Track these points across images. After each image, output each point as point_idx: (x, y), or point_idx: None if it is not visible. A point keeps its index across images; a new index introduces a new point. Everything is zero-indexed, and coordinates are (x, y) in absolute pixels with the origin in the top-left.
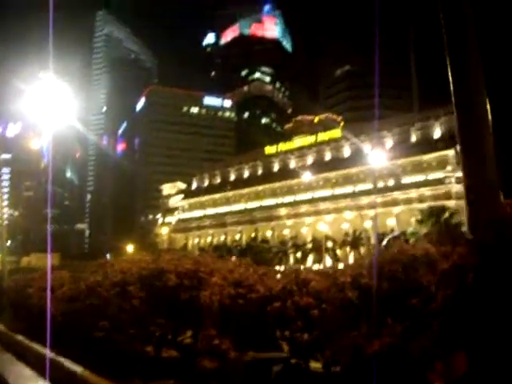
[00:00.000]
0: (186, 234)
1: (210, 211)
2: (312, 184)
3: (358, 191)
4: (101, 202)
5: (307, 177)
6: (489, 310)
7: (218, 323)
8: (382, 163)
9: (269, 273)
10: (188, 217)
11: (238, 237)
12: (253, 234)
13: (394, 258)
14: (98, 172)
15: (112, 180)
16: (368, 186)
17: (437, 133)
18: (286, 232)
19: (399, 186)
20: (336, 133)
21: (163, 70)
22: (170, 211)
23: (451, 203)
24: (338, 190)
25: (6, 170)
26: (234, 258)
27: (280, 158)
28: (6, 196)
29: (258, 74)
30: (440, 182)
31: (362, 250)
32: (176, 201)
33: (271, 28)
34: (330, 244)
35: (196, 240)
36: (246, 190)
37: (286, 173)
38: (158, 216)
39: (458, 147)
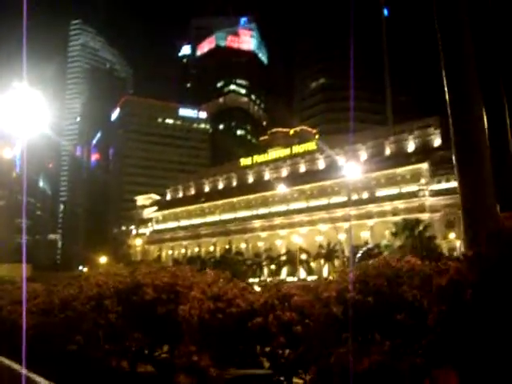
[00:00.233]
0: (159, 245)
1: (184, 223)
2: (287, 196)
3: (333, 204)
4: (74, 213)
5: (282, 189)
6: (488, 328)
7: (197, 338)
8: (357, 176)
9: (249, 287)
10: (162, 228)
11: (212, 248)
12: (227, 246)
13: (379, 272)
14: (71, 182)
15: (85, 190)
16: (342, 198)
17: (411, 146)
18: (261, 244)
19: (373, 199)
20: (311, 145)
21: (138, 80)
22: (144, 222)
23: (425, 216)
24: (313, 203)
25: None
26: (208, 270)
27: (255, 170)
28: None
29: (233, 86)
30: (414, 195)
31: (337, 262)
32: (150, 212)
33: (247, 40)
34: (304, 256)
35: (170, 251)
36: (220, 202)
37: (260, 185)
38: (132, 227)
39: (432, 160)
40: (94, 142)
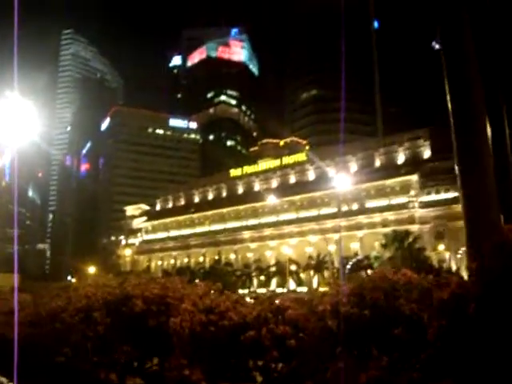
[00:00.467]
0: (149, 255)
1: (174, 233)
2: (277, 207)
3: (323, 215)
4: (63, 223)
5: (272, 200)
6: (492, 342)
7: (189, 351)
8: (347, 187)
9: (241, 299)
10: (151, 238)
11: (201, 259)
12: (216, 257)
13: (376, 286)
14: (60, 192)
15: (75, 200)
16: (332, 209)
17: (400, 158)
18: (250, 255)
19: (363, 210)
20: (301, 156)
21: (129, 90)
22: (133, 233)
23: (414, 228)
24: (303, 214)
25: None
26: (199, 282)
27: (245, 181)
28: None
29: (223, 97)
30: (403, 206)
31: (326, 273)
32: (139, 222)
33: (238, 51)
34: (293, 267)
35: (159, 262)
36: (210, 213)
37: (250, 196)
38: (121, 237)
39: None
40: (84, 151)
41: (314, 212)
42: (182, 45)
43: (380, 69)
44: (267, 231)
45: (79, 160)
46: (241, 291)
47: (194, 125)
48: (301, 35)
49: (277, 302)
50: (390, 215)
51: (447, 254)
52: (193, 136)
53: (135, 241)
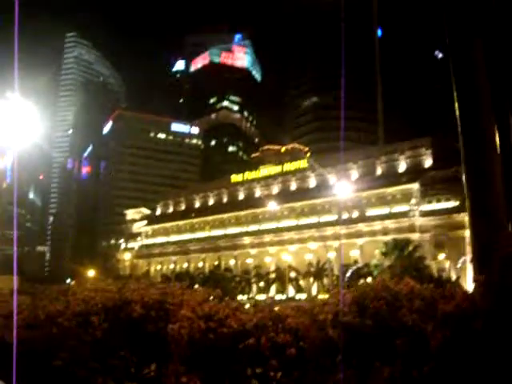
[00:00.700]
0: (148, 260)
1: (174, 238)
2: (277, 213)
3: (323, 222)
4: (63, 225)
5: (272, 206)
6: (500, 358)
7: (187, 358)
8: (347, 195)
9: (241, 307)
10: (151, 243)
11: (200, 264)
12: (216, 262)
13: (378, 295)
14: (61, 194)
15: (75, 203)
16: (333, 217)
17: (402, 166)
18: (250, 261)
19: (364, 218)
20: (302, 163)
21: (132, 94)
22: (133, 237)
23: (415, 236)
24: (303, 221)
25: None
26: (198, 288)
27: (246, 187)
28: None
29: (226, 103)
30: (404, 215)
31: (326, 280)
32: (139, 226)
33: (241, 57)
34: (293, 274)
35: (158, 267)
36: (210, 218)
37: (251, 201)
38: (121, 241)
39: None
40: (86, 154)
41: (314, 219)
42: (185, 50)
43: (382, 77)
44: (267, 237)
45: (80, 163)
46: (240, 297)
47: (195, 130)
48: (303, 42)
49: (276, 308)
50: (390, 223)
51: (447, 264)
52: (194, 141)
53: (135, 245)
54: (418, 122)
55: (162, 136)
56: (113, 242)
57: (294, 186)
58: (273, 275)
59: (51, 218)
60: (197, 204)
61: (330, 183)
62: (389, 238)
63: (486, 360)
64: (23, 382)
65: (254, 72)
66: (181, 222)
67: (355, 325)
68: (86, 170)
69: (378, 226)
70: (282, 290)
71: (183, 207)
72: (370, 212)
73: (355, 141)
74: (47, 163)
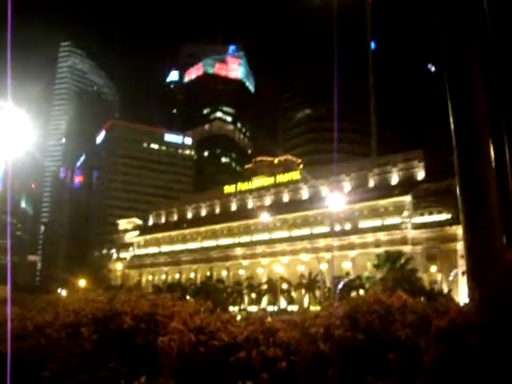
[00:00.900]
0: (140, 270)
1: (166, 248)
2: (269, 225)
3: (315, 234)
4: (54, 235)
5: (265, 217)
6: (496, 375)
7: (177, 371)
8: (340, 207)
9: (232, 319)
10: (143, 253)
11: (192, 275)
12: (208, 273)
13: (370, 309)
14: (53, 204)
15: (67, 212)
16: (325, 228)
17: (394, 179)
18: (242, 272)
19: (356, 230)
20: (295, 175)
21: (125, 104)
22: (125, 247)
23: (407, 248)
24: (296, 232)
25: None
26: (189, 299)
27: (238, 198)
28: None
29: (219, 114)
30: (396, 227)
31: (318, 292)
32: (131, 236)
33: (235, 68)
34: (285, 286)
35: (150, 277)
36: (202, 229)
37: (243, 213)
38: (113, 251)
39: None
40: (78, 163)
41: (306, 231)
42: (179, 60)
43: (376, 90)
44: (260, 249)
45: (73, 172)
46: (232, 308)
47: (189, 140)
48: (297, 54)
49: (269, 319)
50: (382, 235)
51: (439, 276)
52: (187, 152)
53: (127, 255)
54: (410, 135)
55: (155, 146)
56: (105, 251)
57: (286, 197)
58: (265, 286)
59: (43, 228)
60: (189, 215)
61: (322, 195)
62: (381, 250)
63: (480, 376)
64: None
65: (247, 83)
66: (173, 233)
67: (347, 338)
68: (78, 179)
69: (370, 238)
70: (273, 301)
71: (175, 218)
72: (363, 224)
73: (348, 152)
74: (40, 172)
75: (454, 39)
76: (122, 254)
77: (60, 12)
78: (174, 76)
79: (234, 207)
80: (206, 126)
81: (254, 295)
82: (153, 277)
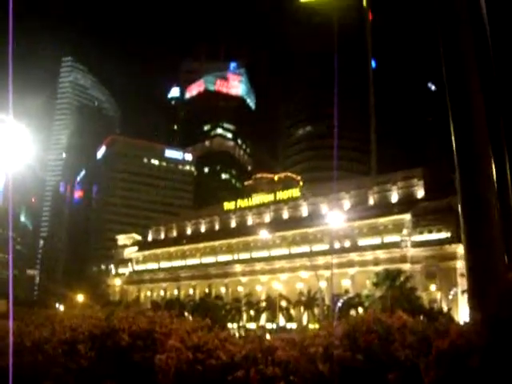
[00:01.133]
0: (138, 286)
1: (165, 264)
2: (269, 242)
3: (315, 251)
4: (54, 249)
5: (264, 234)
6: None
7: None
8: (339, 224)
9: (230, 337)
10: (142, 269)
11: (191, 292)
12: (207, 290)
13: (370, 328)
14: (53, 218)
15: (67, 227)
16: (324, 246)
17: (394, 197)
18: (241, 289)
19: (355, 248)
20: (295, 192)
21: (126, 119)
22: (124, 262)
23: (406, 267)
24: (295, 249)
25: None
26: (186, 314)
27: (238, 215)
28: None
29: (220, 130)
30: (396, 245)
31: (317, 310)
32: (130, 252)
33: (236, 85)
34: (284, 303)
35: (148, 293)
36: (201, 245)
37: (243, 229)
38: (111, 266)
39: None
40: (78, 178)
41: (305, 248)
42: (180, 77)
43: (376, 108)
44: (259, 266)
45: (73, 187)
46: (230, 325)
47: (189, 156)
48: (298, 72)
49: (268, 337)
50: (382, 253)
51: (438, 295)
52: (188, 168)
53: (125, 270)
54: (410, 153)
55: (155, 162)
56: (103, 267)
57: (286, 214)
58: (263, 304)
59: (42, 242)
60: (188, 231)
61: (322, 212)
62: (380, 268)
63: None
64: None
65: (248, 100)
66: (172, 249)
67: (346, 359)
68: (78, 194)
69: (369, 256)
70: (272, 318)
71: (175, 234)
72: (362, 242)
73: (348, 170)
74: (40, 186)
75: (456, 59)
76: (121, 270)
77: (62, 27)
78: (175, 92)
79: (233, 224)
80: (207, 143)
81: (252, 312)
82: (151, 293)
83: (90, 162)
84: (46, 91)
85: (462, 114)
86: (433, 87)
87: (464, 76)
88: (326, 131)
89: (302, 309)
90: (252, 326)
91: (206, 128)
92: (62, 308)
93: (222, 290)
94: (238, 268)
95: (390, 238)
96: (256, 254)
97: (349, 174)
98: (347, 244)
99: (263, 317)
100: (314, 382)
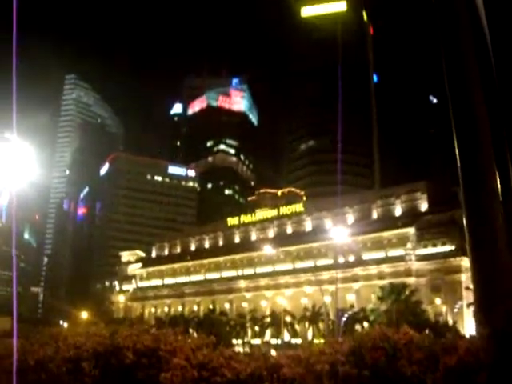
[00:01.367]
0: (142, 302)
1: (169, 281)
2: (273, 257)
3: (319, 266)
4: (58, 266)
5: (268, 250)
6: None
7: None
8: (344, 239)
9: (235, 355)
10: (146, 285)
11: (195, 308)
12: (211, 306)
13: (376, 345)
14: (56, 235)
15: (71, 244)
16: (329, 261)
17: (397, 210)
18: (245, 305)
19: (360, 262)
20: (298, 207)
21: (129, 136)
22: (128, 279)
23: (411, 280)
24: (299, 264)
25: None
26: (191, 331)
27: (242, 230)
28: None
29: (222, 146)
30: (400, 259)
31: (321, 325)
32: (134, 268)
33: (238, 101)
34: (288, 318)
35: (153, 309)
36: (206, 261)
37: (247, 245)
38: (115, 283)
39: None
40: (82, 195)
41: (310, 263)
42: (183, 93)
43: (378, 122)
44: (263, 281)
45: (76, 204)
46: (235, 341)
47: (192, 173)
48: (300, 87)
49: (273, 353)
50: (386, 267)
51: (444, 308)
52: (191, 184)
53: (129, 287)
54: (413, 167)
55: (158, 178)
56: (107, 283)
57: (289, 229)
58: (268, 319)
59: (46, 259)
60: (192, 247)
61: (326, 227)
62: (385, 282)
63: None
64: None
65: (250, 116)
66: (176, 265)
67: (352, 376)
68: (81, 211)
69: (374, 270)
70: (277, 334)
71: (179, 250)
72: (366, 256)
73: (351, 184)
74: (43, 203)
75: (458, 71)
76: (125, 287)
77: (65, 45)
78: (177, 108)
79: (237, 239)
80: (210, 159)
81: (257, 328)
82: (155, 309)
83: (93, 178)
84: (50, 109)
85: (466, 126)
86: (434, 100)
87: (467, 87)
88: (328, 146)
89: (306, 324)
90: (257, 341)
91: (208, 144)
92: (66, 325)
93: (227, 305)
94: (242, 284)
95: (394, 252)
96: (260, 270)
97: (352, 189)
98: (351, 258)
99: (268, 332)
100: None
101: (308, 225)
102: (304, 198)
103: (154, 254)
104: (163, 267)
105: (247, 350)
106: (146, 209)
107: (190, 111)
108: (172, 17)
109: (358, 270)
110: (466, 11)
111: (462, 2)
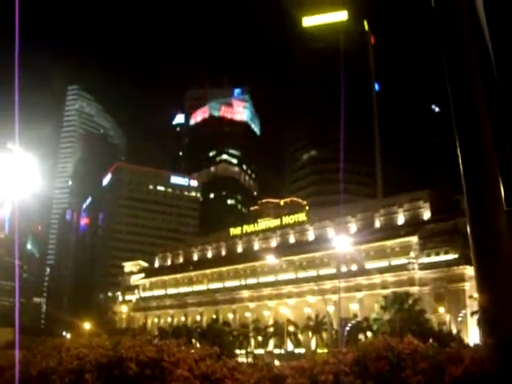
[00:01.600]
0: (145, 313)
1: (172, 291)
2: (275, 267)
3: (322, 275)
4: (60, 277)
5: (271, 259)
6: None
7: None
8: (346, 248)
9: (239, 366)
10: (148, 296)
11: (198, 318)
12: (214, 316)
13: (380, 354)
14: (59, 246)
15: (73, 255)
16: (332, 270)
17: (400, 219)
18: (248, 315)
19: (363, 271)
20: (301, 216)
21: (131, 146)
22: (131, 289)
23: (414, 289)
24: (302, 274)
25: None
26: (194, 341)
27: (244, 240)
28: None
29: (225, 156)
30: (403, 268)
31: (325, 334)
32: (137, 279)
33: (240, 111)
34: (291, 328)
35: (156, 320)
36: (208, 271)
37: (249, 255)
38: (118, 293)
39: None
40: (84, 206)
41: (313, 272)
42: (185, 103)
43: (380, 131)
44: (266, 291)
45: (79, 214)
46: (238, 351)
47: (194, 183)
48: (302, 96)
49: (277, 363)
50: (389, 276)
51: (447, 317)
52: (193, 194)
53: (132, 297)
54: (415, 175)
55: (161, 188)
56: (110, 294)
57: (292, 239)
58: (271, 329)
59: (48, 269)
60: (195, 257)
61: (328, 236)
62: (388, 291)
63: None
64: None
65: (253, 126)
66: (179, 275)
67: None
68: (84, 221)
69: (377, 279)
70: (280, 344)
71: (181, 260)
72: (369, 265)
73: (354, 194)
74: (46, 214)
75: (462, 79)
76: (128, 297)
77: (67, 56)
78: (180, 119)
79: (240, 249)
80: (212, 168)
81: (260, 338)
82: (158, 319)
83: (95, 189)
84: (52, 119)
85: (469, 134)
86: (436, 109)
87: (470, 96)
88: (330, 155)
89: (310, 334)
90: (260, 351)
91: (211, 154)
92: (69, 336)
93: (230, 315)
94: (245, 293)
95: (397, 261)
96: (263, 279)
97: (354, 198)
98: (354, 268)
99: (271, 342)
100: None
101: (311, 234)
102: (307, 208)
103: (156, 264)
104: (166, 277)
105: (250, 360)
106: (148, 219)
107: (193, 121)
108: (174, 27)
109: (361, 280)
110: (468, 21)
111: (463, 12)
